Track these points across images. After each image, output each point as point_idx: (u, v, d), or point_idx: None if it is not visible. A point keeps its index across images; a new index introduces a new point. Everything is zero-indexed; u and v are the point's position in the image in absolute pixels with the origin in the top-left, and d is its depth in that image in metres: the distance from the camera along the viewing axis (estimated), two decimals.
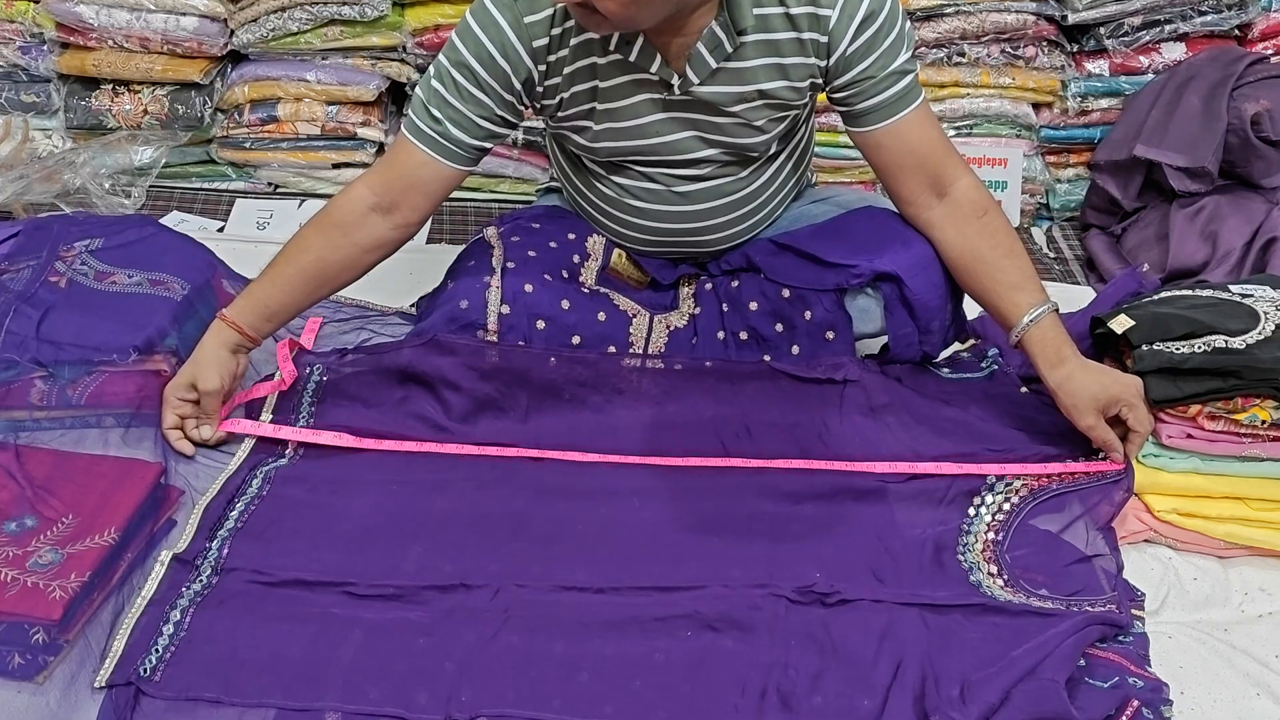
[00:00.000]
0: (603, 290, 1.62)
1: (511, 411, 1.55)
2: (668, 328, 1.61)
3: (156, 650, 1.21)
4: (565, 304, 1.56)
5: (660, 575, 1.34)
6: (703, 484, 1.47)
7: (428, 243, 2.14)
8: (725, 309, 1.61)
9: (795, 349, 1.59)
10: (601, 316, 1.58)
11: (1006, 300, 1.47)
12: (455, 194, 2.29)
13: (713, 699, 1.20)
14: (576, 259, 1.64)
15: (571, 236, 1.65)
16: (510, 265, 1.56)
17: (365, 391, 1.56)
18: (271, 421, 1.52)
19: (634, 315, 1.60)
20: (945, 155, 1.51)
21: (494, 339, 1.53)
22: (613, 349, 1.58)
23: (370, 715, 1.17)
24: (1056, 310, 1.47)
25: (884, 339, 1.63)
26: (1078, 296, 1.95)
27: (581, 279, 1.63)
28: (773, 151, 1.59)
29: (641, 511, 1.43)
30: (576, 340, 1.56)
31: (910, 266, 1.53)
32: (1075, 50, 2.30)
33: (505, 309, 1.53)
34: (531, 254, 1.58)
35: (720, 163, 1.55)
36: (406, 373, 1.55)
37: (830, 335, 1.58)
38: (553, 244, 1.62)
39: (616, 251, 1.67)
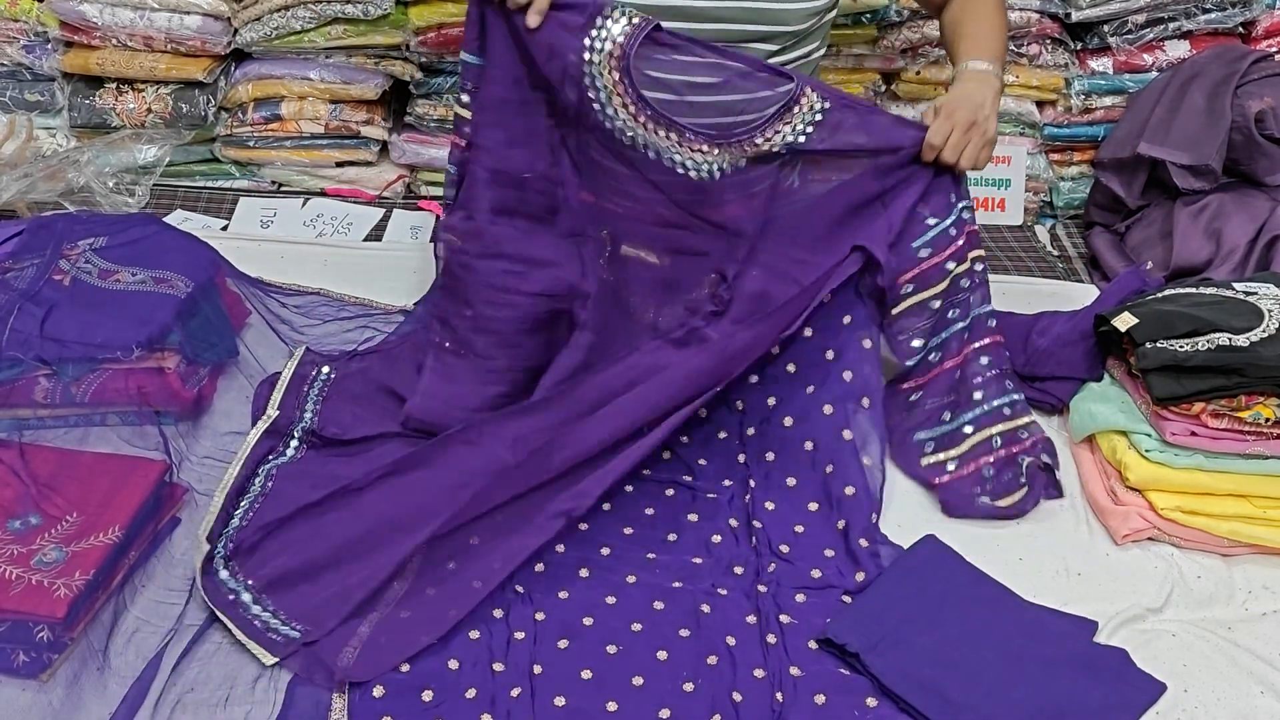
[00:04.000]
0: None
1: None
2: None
3: None
4: None
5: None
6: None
7: (431, 240, 2.13)
8: None
9: (809, 331, 1.57)
10: None
11: (957, 54, 1.67)
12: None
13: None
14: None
15: None
16: None
17: (369, 389, 1.57)
18: (277, 418, 1.52)
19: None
20: None
21: None
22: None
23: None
24: (992, 72, 1.61)
25: None
26: (1081, 294, 1.95)
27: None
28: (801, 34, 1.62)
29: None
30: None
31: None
32: (1079, 48, 2.30)
33: None
34: None
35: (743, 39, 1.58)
36: (412, 360, 1.56)
37: (847, 320, 1.58)
38: None
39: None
